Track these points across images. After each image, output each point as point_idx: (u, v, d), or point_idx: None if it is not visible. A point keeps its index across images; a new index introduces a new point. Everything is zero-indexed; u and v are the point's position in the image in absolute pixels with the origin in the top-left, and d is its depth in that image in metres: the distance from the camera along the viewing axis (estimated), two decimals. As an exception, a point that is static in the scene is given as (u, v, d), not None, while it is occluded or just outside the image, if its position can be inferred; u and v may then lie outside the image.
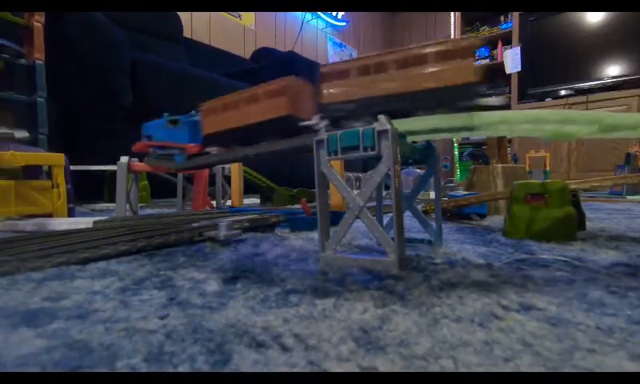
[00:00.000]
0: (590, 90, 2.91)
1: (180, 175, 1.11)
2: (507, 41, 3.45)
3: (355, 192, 0.41)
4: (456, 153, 3.74)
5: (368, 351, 0.22)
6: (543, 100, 3.12)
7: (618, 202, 1.49)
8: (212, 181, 1.18)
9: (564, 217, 0.60)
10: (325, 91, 0.44)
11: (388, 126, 0.39)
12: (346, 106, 0.43)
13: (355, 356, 0.22)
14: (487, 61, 3.67)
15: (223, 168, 1.22)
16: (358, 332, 0.25)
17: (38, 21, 1.16)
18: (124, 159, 0.81)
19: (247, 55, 2.75)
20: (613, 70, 2.85)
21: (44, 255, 0.44)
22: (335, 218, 0.61)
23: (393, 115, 0.41)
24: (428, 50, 0.39)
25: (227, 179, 1.22)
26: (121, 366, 0.21)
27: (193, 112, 0.65)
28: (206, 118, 0.57)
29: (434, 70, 0.39)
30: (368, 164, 2.43)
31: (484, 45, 3.69)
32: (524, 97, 3.21)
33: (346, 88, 0.43)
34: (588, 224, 0.76)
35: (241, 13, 2.79)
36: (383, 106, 0.41)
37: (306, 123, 0.47)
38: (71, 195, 0.85)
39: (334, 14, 3.60)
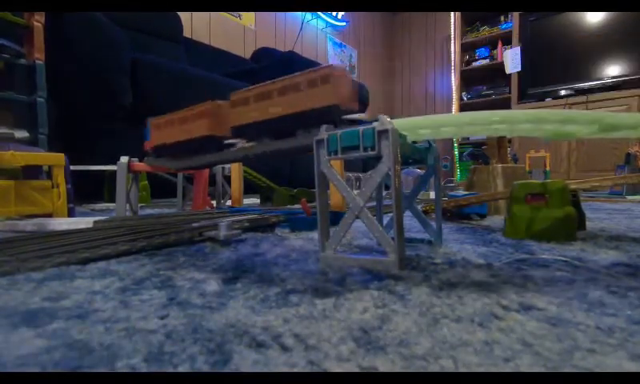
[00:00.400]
0: (590, 90, 2.91)
1: (180, 175, 1.11)
2: (507, 41, 3.45)
3: (355, 192, 0.41)
4: (456, 153, 3.74)
5: (368, 351, 0.22)
6: (543, 100, 3.12)
7: (618, 202, 1.49)
8: (212, 181, 1.18)
9: (564, 217, 0.60)
10: (234, 115, 0.53)
11: (388, 126, 0.39)
12: (250, 127, 0.51)
13: (355, 356, 0.22)
14: (487, 61, 3.68)
15: (223, 168, 1.22)
16: (358, 332, 0.25)
17: (38, 21, 1.16)
18: (124, 159, 0.81)
19: (247, 55, 2.75)
20: (613, 70, 2.85)
21: (44, 255, 0.44)
22: (335, 217, 0.61)
23: (282, 134, 0.49)
24: (300, 78, 0.46)
25: (227, 179, 1.22)
26: (121, 366, 0.21)
27: None
28: (153, 133, 0.64)
29: (305, 94, 0.46)
30: (368, 164, 2.43)
31: (485, 45, 3.69)
32: (524, 97, 3.21)
33: (247, 112, 0.51)
34: (588, 224, 0.76)
35: (241, 13, 2.79)
36: (274, 125, 0.49)
37: (229, 141, 0.56)
38: (71, 195, 0.85)
39: (334, 14, 3.61)
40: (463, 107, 3.78)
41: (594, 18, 2.91)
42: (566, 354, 0.22)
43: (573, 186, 0.70)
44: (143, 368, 0.20)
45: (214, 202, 1.17)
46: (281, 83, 0.48)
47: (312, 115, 0.46)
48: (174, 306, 0.30)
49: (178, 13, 2.19)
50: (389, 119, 0.39)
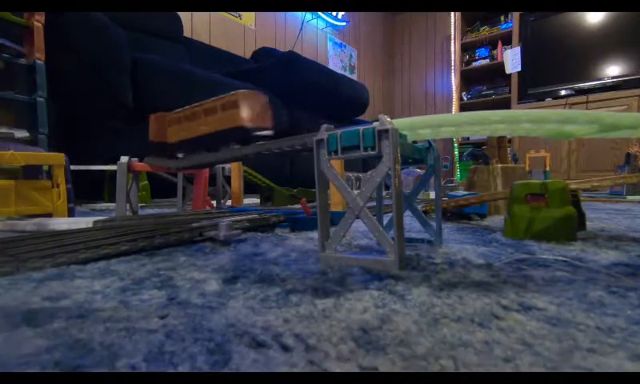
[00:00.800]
0: (590, 90, 2.91)
1: (180, 175, 1.11)
2: (507, 41, 3.45)
3: (355, 192, 0.41)
4: (456, 153, 3.74)
5: (368, 351, 0.22)
6: (543, 100, 3.12)
7: (618, 202, 1.49)
8: (212, 181, 1.18)
9: (564, 217, 0.60)
10: (170, 133, 0.61)
11: (388, 126, 0.39)
12: (183, 144, 0.59)
13: (355, 356, 0.22)
14: (487, 61, 3.68)
15: (223, 168, 1.22)
16: (358, 332, 0.25)
17: (38, 21, 1.16)
18: (124, 159, 0.81)
19: (247, 55, 2.75)
20: (613, 70, 2.85)
21: (44, 255, 0.44)
22: (335, 217, 0.61)
23: (209, 149, 0.58)
24: (217, 102, 0.54)
25: (227, 179, 1.22)
26: (121, 366, 0.21)
27: None
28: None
29: (221, 117, 0.54)
30: (368, 164, 2.43)
31: (485, 45, 3.69)
32: (524, 97, 3.21)
33: (179, 131, 0.59)
34: (588, 224, 0.76)
35: (241, 13, 2.79)
36: (201, 142, 0.57)
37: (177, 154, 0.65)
38: (71, 195, 0.85)
39: (334, 13, 3.60)
40: (463, 107, 3.78)
41: (594, 18, 2.91)
42: (566, 353, 0.22)
43: (573, 186, 0.70)
44: (143, 368, 0.20)
45: (214, 202, 1.17)
46: (204, 106, 0.56)
47: (226, 134, 0.54)
48: (174, 305, 0.30)
49: (178, 13, 2.19)
50: (389, 119, 0.39)
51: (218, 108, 0.54)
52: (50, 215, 0.79)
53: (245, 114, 0.52)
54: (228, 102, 0.53)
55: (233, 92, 0.53)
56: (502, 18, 3.62)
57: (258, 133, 0.54)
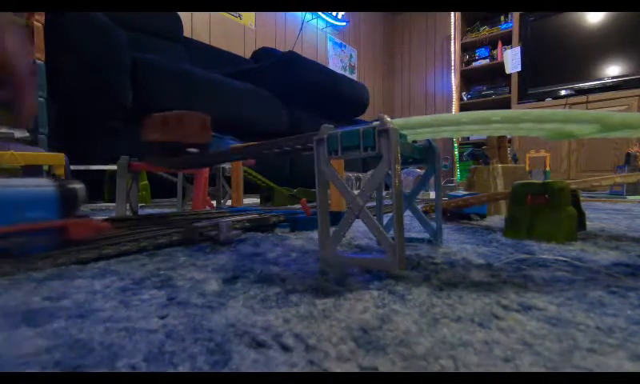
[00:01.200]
0: (590, 90, 2.91)
1: (180, 175, 1.11)
2: (507, 41, 3.45)
3: (355, 192, 0.41)
4: (456, 153, 3.75)
5: (368, 351, 0.22)
6: (543, 100, 3.12)
7: (618, 202, 1.49)
8: (212, 181, 1.18)
9: (564, 217, 0.60)
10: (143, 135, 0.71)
11: (388, 126, 0.39)
12: (152, 145, 0.68)
13: (355, 356, 0.22)
14: (487, 61, 3.68)
15: (223, 168, 1.22)
16: (358, 332, 0.25)
17: (38, 21, 1.16)
18: (124, 159, 0.81)
19: (247, 55, 2.75)
20: (613, 70, 2.85)
21: (44, 255, 0.44)
22: (335, 217, 0.61)
23: (171, 153, 0.66)
24: (169, 116, 0.62)
25: (227, 179, 1.22)
26: (121, 366, 0.21)
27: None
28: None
29: (170, 129, 0.63)
30: (368, 164, 2.43)
31: (485, 45, 3.69)
32: (524, 97, 3.21)
33: (147, 135, 0.68)
34: (588, 224, 0.76)
35: (241, 13, 2.79)
36: (162, 147, 0.66)
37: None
38: (71, 195, 0.84)
39: (334, 13, 3.61)
40: (463, 107, 3.78)
41: (594, 18, 2.91)
42: (566, 353, 0.22)
43: (573, 186, 0.70)
44: (143, 368, 0.20)
45: (214, 202, 1.17)
46: (164, 117, 0.64)
47: (167, 145, 0.62)
48: (174, 305, 0.30)
49: (178, 13, 2.19)
50: (389, 119, 0.39)
51: (171, 121, 0.62)
52: (50, 215, 0.79)
53: (178, 131, 0.60)
54: (168, 119, 0.61)
55: (170, 111, 0.61)
56: (502, 18, 3.62)
57: (190, 149, 0.63)
